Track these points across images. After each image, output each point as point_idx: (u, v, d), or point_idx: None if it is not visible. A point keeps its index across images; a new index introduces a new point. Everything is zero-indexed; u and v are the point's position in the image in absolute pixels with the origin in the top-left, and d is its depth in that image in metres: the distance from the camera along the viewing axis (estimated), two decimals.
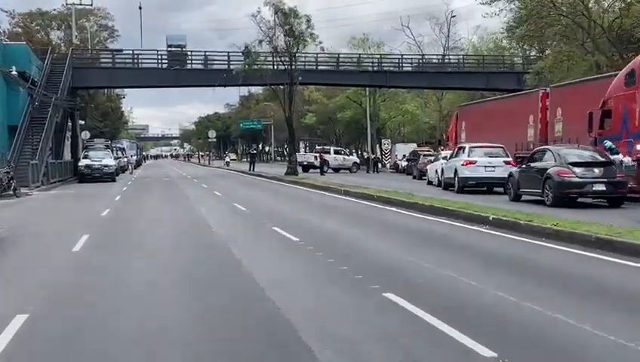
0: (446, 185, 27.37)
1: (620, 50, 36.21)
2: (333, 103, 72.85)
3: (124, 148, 67.26)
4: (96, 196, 28.02)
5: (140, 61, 49.04)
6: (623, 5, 36.76)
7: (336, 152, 56.97)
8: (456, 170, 25.79)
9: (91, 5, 64.36)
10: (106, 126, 71.61)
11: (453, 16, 62.24)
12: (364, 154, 62.00)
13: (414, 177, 40.69)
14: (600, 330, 6.19)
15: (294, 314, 6.92)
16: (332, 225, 15.63)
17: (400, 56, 53.93)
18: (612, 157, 18.29)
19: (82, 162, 41.70)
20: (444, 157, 29.57)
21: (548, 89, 31.05)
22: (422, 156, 42.37)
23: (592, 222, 13.07)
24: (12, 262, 11.24)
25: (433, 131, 72.77)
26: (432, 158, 35.80)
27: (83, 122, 56.74)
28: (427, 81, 52.74)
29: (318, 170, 48.97)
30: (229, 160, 79.32)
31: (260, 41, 40.94)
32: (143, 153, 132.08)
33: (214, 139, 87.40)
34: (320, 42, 41.45)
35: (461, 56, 58.12)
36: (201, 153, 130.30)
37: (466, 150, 26.08)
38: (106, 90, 72.06)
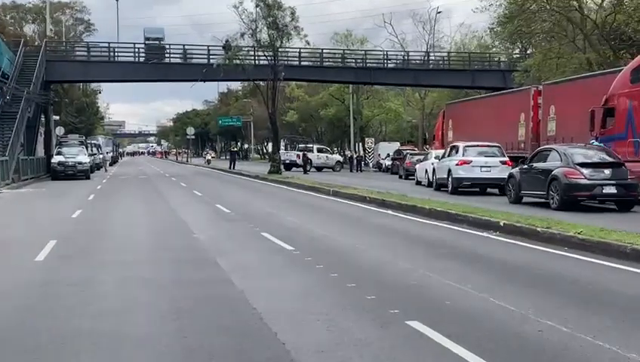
0: (438, 186, 26.15)
1: (614, 46, 35.23)
2: (316, 101, 71.46)
3: (99, 145, 65.31)
4: (68, 195, 26.50)
5: (116, 54, 47.39)
6: (615, 1, 35.78)
7: (320, 150, 55.60)
8: (449, 170, 24.52)
9: None
10: (81, 122, 69.89)
11: (439, 12, 61.11)
12: (347, 153, 60.74)
13: (400, 177, 39.56)
14: None
15: (306, 356, 5.55)
16: (326, 230, 14.24)
17: (385, 53, 52.70)
18: None
19: (55, 159, 40.22)
20: (437, 157, 28.28)
21: (540, 86, 30.09)
22: (408, 155, 41.15)
23: (616, 230, 11.80)
24: None
25: (414, 130, 71.76)
26: (421, 158, 34.55)
27: (57, 118, 55.24)
28: (413, 79, 51.56)
29: (301, 169, 47.65)
30: (209, 158, 77.25)
31: (243, 34, 39.37)
32: (120, 150, 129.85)
33: (193, 136, 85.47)
34: (305, 35, 39.92)
35: (447, 54, 56.98)
36: (179, 150, 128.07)
37: (461, 149, 24.83)
38: (81, 84, 70.50)
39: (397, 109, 66.90)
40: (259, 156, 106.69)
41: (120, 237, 13.48)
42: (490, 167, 23.96)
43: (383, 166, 52.65)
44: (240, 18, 39.25)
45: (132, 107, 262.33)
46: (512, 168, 22.49)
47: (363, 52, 54.01)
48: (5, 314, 7.17)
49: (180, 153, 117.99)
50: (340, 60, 51.44)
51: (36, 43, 54.78)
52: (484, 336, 6.06)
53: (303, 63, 48.41)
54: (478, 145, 25.09)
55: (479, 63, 52.92)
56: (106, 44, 48.51)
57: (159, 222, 16.43)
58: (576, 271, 9.45)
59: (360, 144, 65.39)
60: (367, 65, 49.99)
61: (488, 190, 24.28)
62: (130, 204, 22.28)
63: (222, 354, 5.69)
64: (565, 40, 37.74)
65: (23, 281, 8.97)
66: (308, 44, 41.77)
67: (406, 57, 54.39)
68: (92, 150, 53.04)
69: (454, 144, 26.40)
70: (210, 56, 45.14)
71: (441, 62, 54.57)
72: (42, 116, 46.19)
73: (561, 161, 18.04)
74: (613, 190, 17.16)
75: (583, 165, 17.57)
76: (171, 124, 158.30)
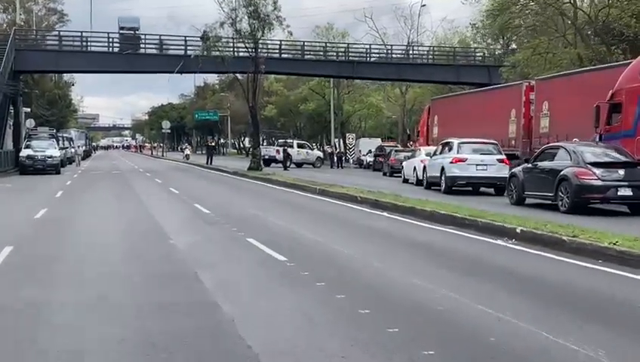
0: (429, 185, 24.75)
1: (608, 41, 34.09)
2: (295, 95, 69.83)
3: (71, 138, 63.07)
4: (35, 191, 24.76)
5: (89, 44, 45.51)
6: None
7: (300, 146, 54.05)
8: (443, 168, 23.08)
9: None
10: (53, 114, 67.64)
11: (423, 5, 59.67)
12: (327, 148, 59.25)
13: (385, 174, 38.29)
14: None
15: None
16: (320, 236, 12.66)
17: (368, 46, 51.27)
18: None
19: (24, 152, 38.32)
20: (427, 154, 26.85)
21: (532, 82, 28.90)
22: (393, 152, 39.77)
23: None
24: None
25: (393, 127, 70.42)
26: (408, 154, 33.16)
27: (28, 110, 53.18)
28: (396, 73, 50.15)
29: (281, 165, 46.08)
30: (188, 152, 74.62)
31: (222, 24, 37.57)
32: (93, 144, 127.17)
33: (168, 131, 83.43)
34: (288, 25, 38.27)
35: (430, 49, 55.66)
36: (154, 144, 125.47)
37: (455, 146, 23.39)
38: (53, 76, 68.25)
39: (378, 104, 65.57)
40: (235, 151, 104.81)
41: (85, 245, 11.77)
42: (486, 165, 22.57)
43: (364, 162, 51.40)
44: (220, 6, 37.55)
45: (106, 100, 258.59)
46: (510, 167, 21.29)
47: (345, 45, 52.50)
48: None
49: (155, 147, 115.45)
50: (321, 53, 49.94)
51: (6, 31, 52.57)
52: None
53: (283, 56, 46.79)
54: (473, 142, 23.67)
55: (463, 59, 51.79)
56: (79, 34, 46.61)
57: (131, 224, 14.77)
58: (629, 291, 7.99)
59: (341, 140, 63.93)
60: (350, 58, 48.55)
61: (482, 189, 22.98)
62: (100, 203, 20.55)
63: None
64: (555, 34, 36.64)
65: None
66: (290, 34, 40.25)
67: (390, 51, 53.05)
68: (63, 143, 51.14)
69: (447, 140, 24.96)
70: (188, 47, 43.57)
71: (425, 57, 53.34)
72: (11, 107, 44.23)
73: (571, 159, 16.65)
74: (628, 192, 15.77)
75: (595, 165, 16.18)
76: (146, 117, 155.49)
